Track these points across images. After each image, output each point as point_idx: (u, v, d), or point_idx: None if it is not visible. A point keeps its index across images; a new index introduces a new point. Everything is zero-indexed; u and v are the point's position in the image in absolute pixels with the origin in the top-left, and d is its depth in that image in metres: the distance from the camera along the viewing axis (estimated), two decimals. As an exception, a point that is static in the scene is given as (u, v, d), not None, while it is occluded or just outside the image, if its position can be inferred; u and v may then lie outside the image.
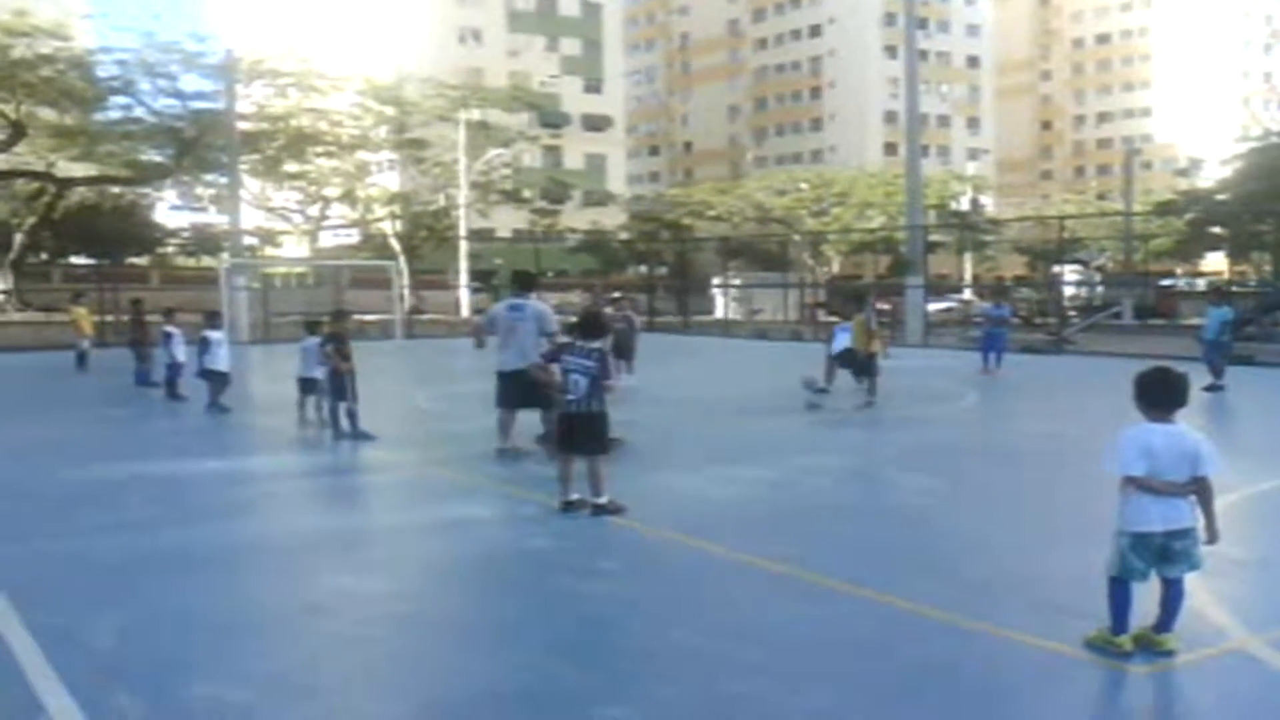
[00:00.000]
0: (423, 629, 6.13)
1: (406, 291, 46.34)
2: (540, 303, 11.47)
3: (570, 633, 5.95)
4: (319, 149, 57.07)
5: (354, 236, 69.50)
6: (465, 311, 54.94)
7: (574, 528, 8.27)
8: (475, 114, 62.51)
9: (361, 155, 61.54)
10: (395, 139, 60.50)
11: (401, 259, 54.15)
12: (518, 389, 10.85)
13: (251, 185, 58.37)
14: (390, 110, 58.43)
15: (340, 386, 12.82)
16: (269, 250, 65.26)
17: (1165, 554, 5.28)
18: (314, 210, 64.80)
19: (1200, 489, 5.28)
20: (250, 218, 57.12)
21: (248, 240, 53.58)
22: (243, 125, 45.21)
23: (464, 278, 57.92)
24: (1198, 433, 5.40)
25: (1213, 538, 5.32)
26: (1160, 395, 5.36)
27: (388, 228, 62.26)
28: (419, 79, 60.31)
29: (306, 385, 14.14)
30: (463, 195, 60.27)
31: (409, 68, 63.75)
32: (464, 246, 58.97)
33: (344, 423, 12.87)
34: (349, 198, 63.73)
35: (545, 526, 8.34)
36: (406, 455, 12.21)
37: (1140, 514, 5.27)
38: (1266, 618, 6.08)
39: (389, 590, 6.84)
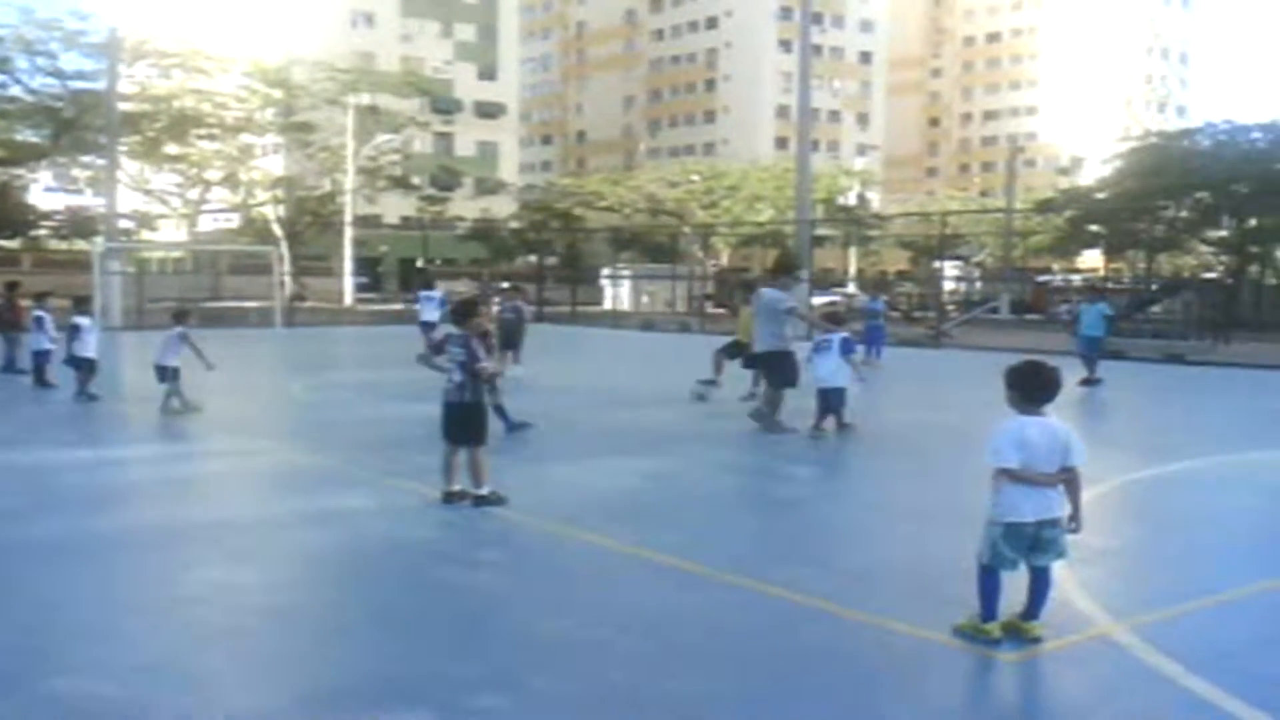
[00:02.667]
0: (299, 620, 6.02)
1: (288, 278, 45.45)
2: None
3: (449, 623, 5.90)
4: (201, 131, 55.73)
5: (235, 221, 67.99)
6: (349, 299, 54.14)
7: (455, 519, 8.19)
8: (365, 98, 61.59)
9: (246, 138, 60.23)
10: (281, 122, 59.31)
11: (284, 245, 53.08)
12: None
13: (130, 167, 56.73)
14: (277, 93, 57.29)
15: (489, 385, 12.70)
16: (146, 234, 63.47)
17: (1035, 543, 5.41)
18: (194, 194, 63.21)
19: (1069, 479, 5.42)
20: (127, 200, 55.46)
21: (124, 224, 51.99)
22: (124, 106, 43.96)
23: (349, 265, 57.04)
24: (1066, 425, 5.54)
25: (1077, 527, 5.46)
26: (1032, 388, 5.48)
27: (270, 212, 60.99)
28: (308, 62, 59.15)
29: (163, 373, 13.83)
30: (349, 181, 59.33)
31: (298, 50, 62.47)
32: (349, 233, 58.07)
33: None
34: (231, 181, 62.32)
35: (425, 517, 8.24)
36: (283, 445, 11.98)
37: (1013, 505, 5.39)
38: (1129, 605, 6.26)
39: (264, 581, 6.70)
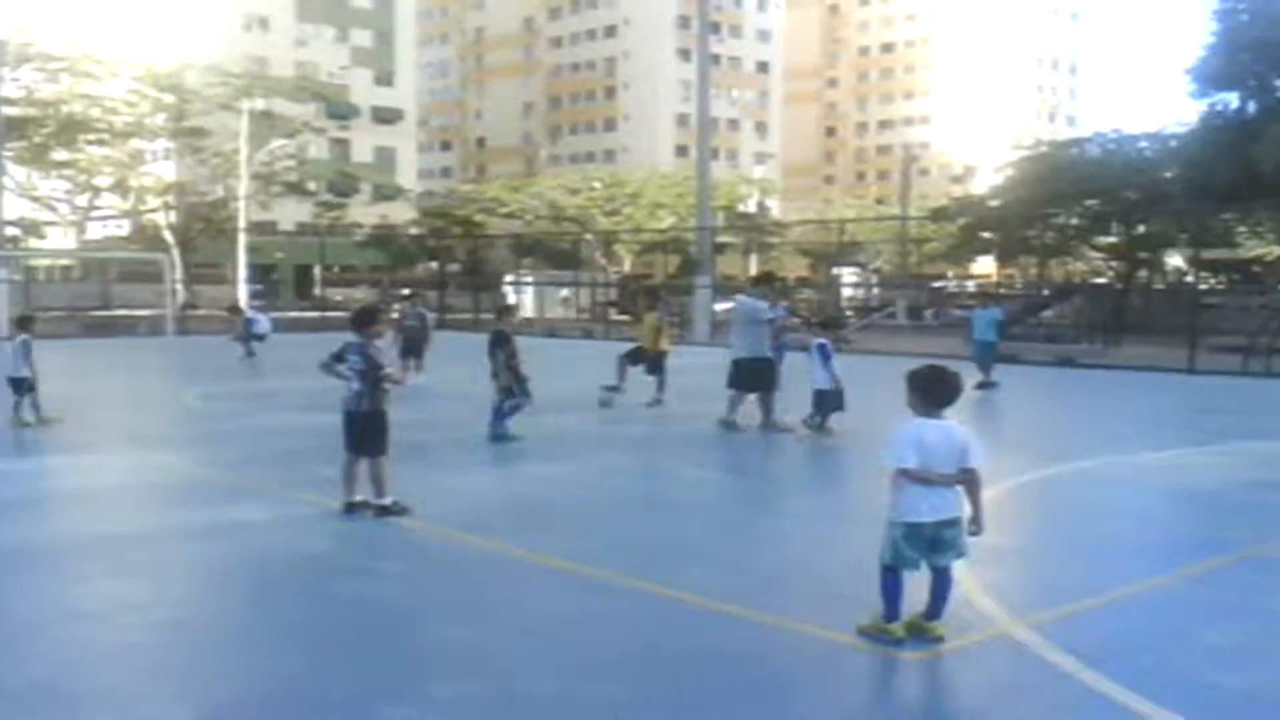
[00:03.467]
0: (198, 634, 5.87)
1: (180, 286, 44.43)
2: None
3: (352, 635, 5.80)
4: (91, 136, 54.33)
5: (125, 228, 66.32)
6: (244, 307, 53.03)
7: (356, 529, 8.06)
8: (259, 103, 60.53)
9: (136, 143, 58.86)
10: (173, 127, 58.05)
11: (175, 252, 51.91)
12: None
13: (16, 173, 55.01)
14: (169, 98, 56.07)
15: (519, 382, 12.59)
16: (34, 242, 61.58)
17: (935, 543, 5.48)
18: (83, 200, 61.53)
19: (969, 480, 5.51)
20: (14, 207, 53.79)
21: (11, 231, 50.42)
22: (8, 110, 42.60)
23: (242, 272, 55.98)
24: (963, 427, 5.63)
25: (979, 529, 5.55)
26: (934, 392, 5.57)
27: (161, 219, 59.60)
28: (200, 66, 57.96)
29: (16, 385, 13.44)
30: (243, 186, 58.24)
31: (191, 54, 61.18)
32: (243, 239, 56.98)
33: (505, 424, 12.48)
34: (121, 187, 60.80)
35: (326, 529, 8.10)
36: (178, 457, 11.66)
37: (913, 505, 5.46)
38: (1028, 603, 6.37)
39: (161, 595, 6.53)
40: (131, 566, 7.13)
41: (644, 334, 16.36)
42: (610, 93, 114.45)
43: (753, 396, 13.26)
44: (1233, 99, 33.95)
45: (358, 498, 8.38)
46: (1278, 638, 5.89)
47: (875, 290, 62.23)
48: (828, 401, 12.79)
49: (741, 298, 13.83)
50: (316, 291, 63.24)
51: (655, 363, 16.00)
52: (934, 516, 5.44)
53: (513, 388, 12.51)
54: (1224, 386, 20.72)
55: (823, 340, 13.04)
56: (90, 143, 55.22)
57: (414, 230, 72.86)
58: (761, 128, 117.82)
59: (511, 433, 12.34)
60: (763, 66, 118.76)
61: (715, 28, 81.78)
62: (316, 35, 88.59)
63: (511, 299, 14.89)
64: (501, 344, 12.63)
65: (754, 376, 13.15)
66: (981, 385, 18.70)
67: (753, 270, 77.70)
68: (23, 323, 14.20)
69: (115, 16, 73.26)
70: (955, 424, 5.58)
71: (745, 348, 13.24)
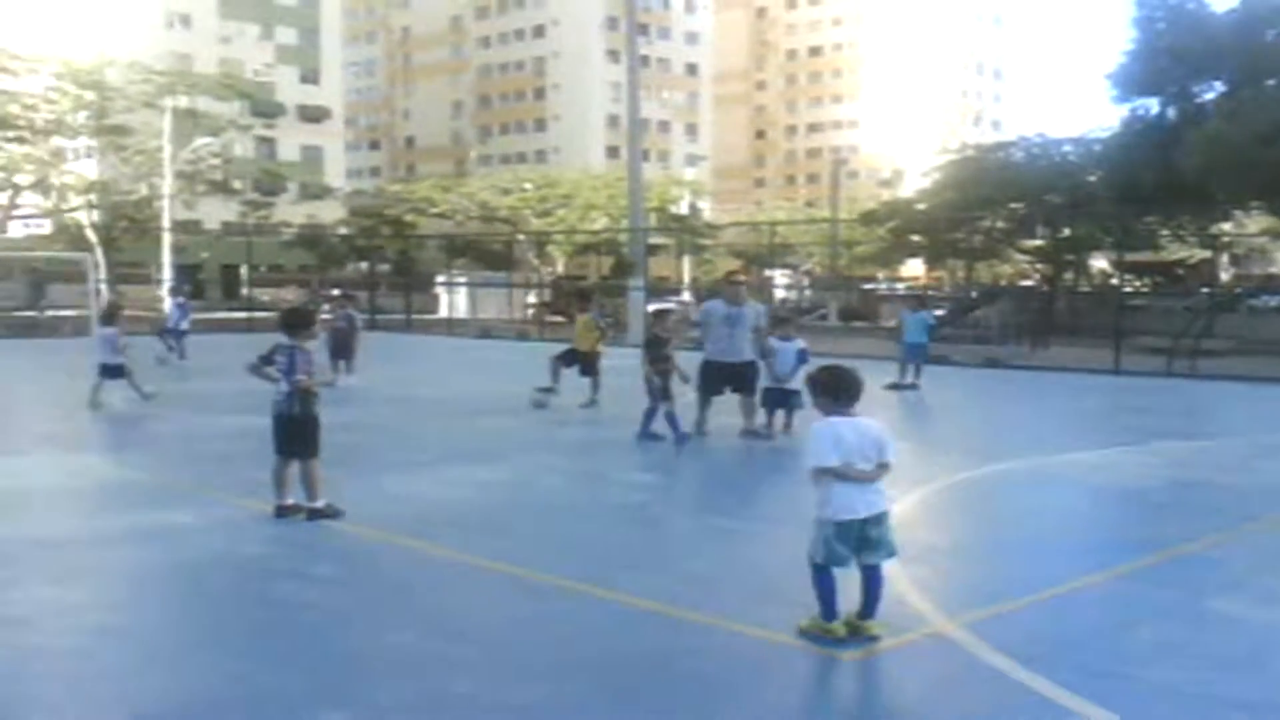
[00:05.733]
0: (130, 640, 5.77)
1: (104, 286, 43.55)
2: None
3: (285, 640, 5.73)
4: (10, 134, 52.97)
5: (46, 227, 64.86)
6: (168, 306, 52.20)
7: (288, 533, 7.95)
8: (183, 101, 59.52)
9: (57, 141, 57.51)
10: (95, 125, 56.82)
11: (99, 251, 50.86)
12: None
13: (-69, 171, 53.62)
14: (90, 95, 54.87)
15: (661, 388, 12.49)
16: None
17: (864, 541, 5.54)
18: (2, 198, 60.06)
19: (881, 474, 5.61)
20: (-71, 206, 52.48)
21: (-74, 230, 49.18)
22: (-78, 106, 41.42)
23: (167, 271, 55.00)
24: (878, 422, 5.73)
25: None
26: (837, 391, 5.67)
27: (84, 218, 58.36)
28: (122, 63, 56.83)
29: (109, 371, 14.78)
30: (167, 185, 57.20)
31: (111, 51, 59.96)
32: (167, 239, 56.01)
33: (658, 425, 12.49)
34: (42, 186, 59.40)
35: (258, 532, 7.98)
36: (105, 459, 11.43)
37: (843, 502, 5.52)
38: (962, 602, 6.45)
39: (92, 600, 6.41)
40: (60, 571, 6.98)
41: (577, 335, 16.33)
42: (540, 93, 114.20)
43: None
44: (1154, 104, 34.58)
45: (290, 501, 8.27)
46: (1208, 633, 6.02)
47: (807, 292, 62.69)
48: (796, 403, 12.79)
49: (716, 302, 13.28)
50: (244, 292, 62.33)
51: (589, 364, 15.98)
52: (865, 513, 5.50)
53: (654, 392, 12.54)
54: (1149, 387, 21.14)
55: (804, 345, 13.22)
56: (9, 140, 53.89)
57: (343, 230, 72.09)
58: (692, 130, 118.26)
59: (684, 433, 12.37)
60: (692, 69, 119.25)
61: (644, 29, 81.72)
62: (240, 33, 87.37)
63: (670, 304, 13.88)
64: (650, 348, 12.78)
65: (734, 379, 12.91)
66: (899, 386, 19.00)
67: (686, 272, 78.08)
68: (110, 315, 16.13)
69: (33, 12, 71.70)
70: (868, 420, 5.68)
71: (729, 351, 12.85)
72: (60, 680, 5.18)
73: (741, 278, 13.88)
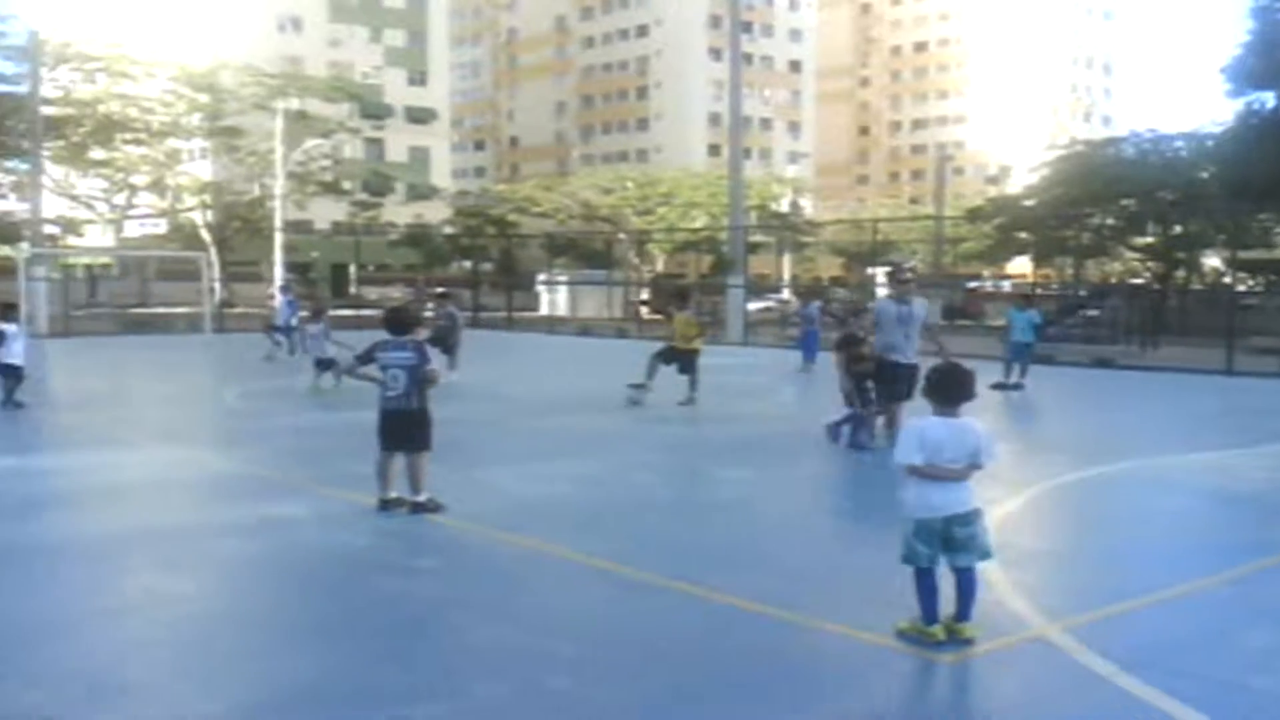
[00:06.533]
0: (235, 629, 5.93)
1: (217, 284, 44.77)
2: None
3: (387, 632, 5.83)
4: (128, 136, 54.82)
5: (162, 226, 66.91)
6: (277, 303, 53.40)
7: (391, 526, 8.10)
8: (294, 103, 60.93)
9: (172, 143, 59.35)
10: (209, 127, 58.53)
11: (212, 250, 52.32)
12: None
13: (54, 172, 55.63)
14: (204, 97, 56.54)
15: (861, 391, 11.91)
16: (72, 240, 62.23)
17: (949, 540, 5.47)
18: (120, 199, 62.14)
19: (970, 473, 5.53)
20: (52, 206, 54.41)
21: (49, 229, 50.97)
22: (47, 110, 43.06)
23: (279, 270, 56.36)
24: (980, 426, 5.63)
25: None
26: (946, 390, 5.60)
27: (198, 218, 60.09)
28: (235, 66, 58.40)
29: (323, 364, 16.30)
30: (279, 186, 58.63)
31: (225, 54, 61.66)
32: (279, 238, 57.39)
33: (860, 434, 11.92)
34: (158, 186, 61.36)
35: (362, 525, 8.15)
36: (216, 453, 11.78)
37: (921, 500, 5.48)
38: (1065, 605, 6.33)
39: (198, 590, 6.60)
40: (170, 561, 7.20)
41: (675, 333, 16.34)
42: (642, 92, 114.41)
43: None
44: (1269, 98, 33.52)
45: (393, 494, 8.42)
46: (1318, 641, 5.82)
47: (909, 290, 61.74)
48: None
49: (887, 302, 12.33)
50: (352, 290, 63.56)
51: (688, 362, 15.98)
52: (945, 512, 5.44)
53: (851, 396, 11.91)
54: (1263, 388, 20.49)
55: None
56: (127, 142, 55.75)
57: (448, 229, 73.16)
58: (794, 127, 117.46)
59: (869, 444, 11.68)
60: (795, 65, 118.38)
61: (747, 27, 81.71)
62: (350, 35, 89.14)
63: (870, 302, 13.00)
64: (845, 347, 12.09)
65: (909, 379, 11.63)
66: (1004, 386, 18.61)
67: (786, 271, 77.71)
68: (316, 312, 17.98)
69: (151, 17, 73.98)
70: (971, 422, 5.58)
71: (903, 350, 11.95)
72: (166, 666, 5.34)
73: (909, 274, 12.75)
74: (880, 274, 60.27)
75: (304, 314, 18.64)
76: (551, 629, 5.82)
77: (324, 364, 16.66)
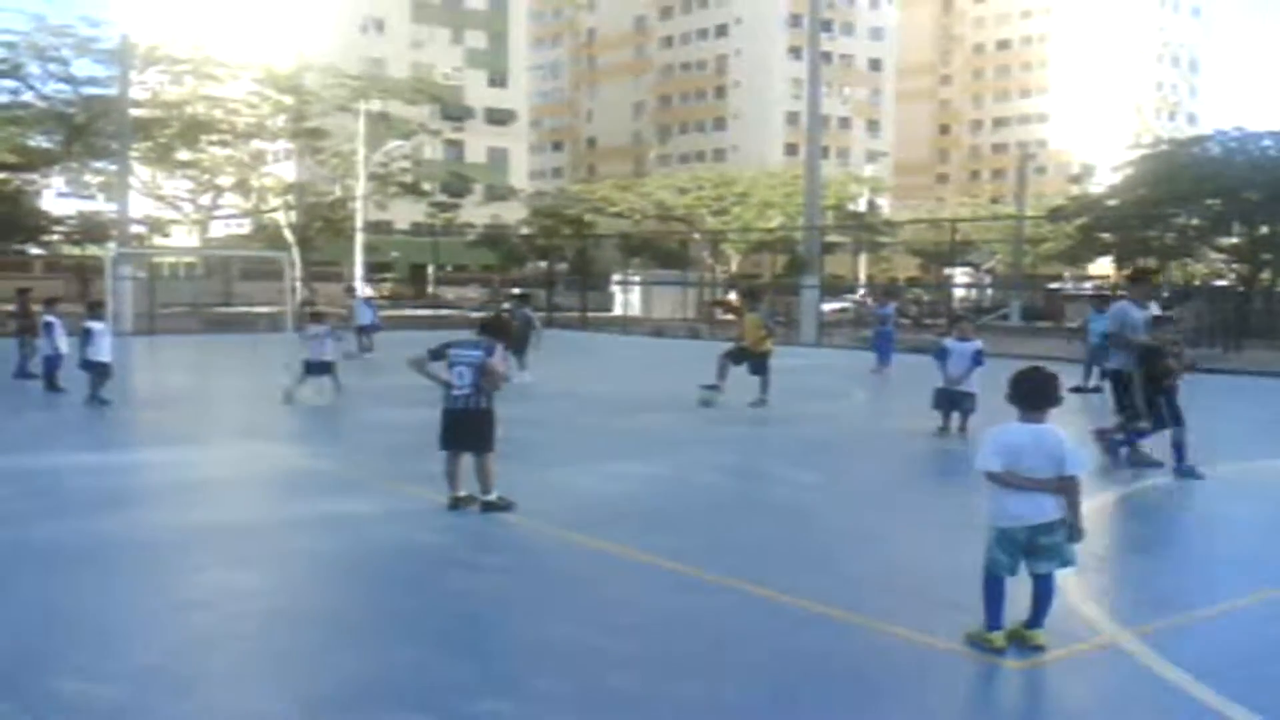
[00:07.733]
0: (303, 624, 6.04)
1: (299, 284, 45.52)
2: None
3: (453, 628, 5.92)
4: (213, 137, 55.86)
5: (246, 227, 68.14)
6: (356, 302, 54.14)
7: (461, 524, 8.20)
8: (376, 105, 61.71)
9: (257, 144, 60.40)
10: (292, 128, 59.44)
11: (295, 250, 53.17)
12: None
13: (142, 173, 56.92)
14: (288, 99, 57.43)
15: (1166, 406, 10.78)
16: (158, 239, 63.63)
17: (1031, 549, 5.40)
18: (205, 199, 63.41)
19: (1066, 488, 5.39)
20: (139, 206, 55.68)
21: (136, 229, 52.19)
22: (135, 112, 44.08)
23: (359, 270, 57.17)
24: (1065, 432, 5.53)
25: (1075, 535, 5.43)
26: (1029, 394, 5.51)
27: (281, 218, 61.12)
28: (319, 68, 59.30)
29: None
30: (360, 186, 59.43)
31: (309, 56, 62.65)
32: (360, 239, 58.18)
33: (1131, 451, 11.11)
34: (242, 187, 62.48)
35: (431, 522, 8.25)
36: (291, 450, 12.00)
37: (1002, 508, 5.42)
38: (1137, 612, 6.25)
39: (269, 585, 6.73)
40: (242, 557, 7.36)
41: (746, 334, 16.29)
42: (720, 91, 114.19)
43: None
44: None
45: (463, 493, 8.52)
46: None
47: (989, 291, 61.11)
48: (969, 405, 12.82)
49: (1127, 304, 11.79)
50: (430, 290, 64.30)
51: (759, 363, 15.93)
52: (1026, 521, 5.37)
53: (1138, 411, 10.99)
54: (1354, 393, 19.92)
55: (980, 347, 13.15)
56: (213, 143, 56.76)
57: (524, 230, 73.64)
58: (873, 125, 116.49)
59: (1196, 470, 10.52)
60: (875, 64, 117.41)
61: (827, 25, 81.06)
62: (431, 37, 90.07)
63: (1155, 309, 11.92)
64: (1149, 362, 11.03)
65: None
66: (1083, 389, 18.25)
67: (862, 271, 77.07)
68: (316, 314, 17.73)
69: (236, 20, 75.41)
70: (1052, 428, 5.48)
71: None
72: (237, 660, 5.47)
73: (1150, 274, 12.25)
74: (958, 273, 59.74)
75: (310, 313, 18.58)
76: (615, 627, 5.86)
77: (317, 368, 16.13)
